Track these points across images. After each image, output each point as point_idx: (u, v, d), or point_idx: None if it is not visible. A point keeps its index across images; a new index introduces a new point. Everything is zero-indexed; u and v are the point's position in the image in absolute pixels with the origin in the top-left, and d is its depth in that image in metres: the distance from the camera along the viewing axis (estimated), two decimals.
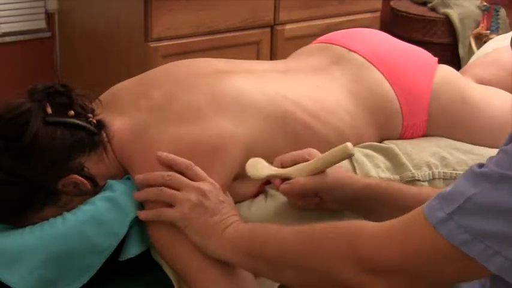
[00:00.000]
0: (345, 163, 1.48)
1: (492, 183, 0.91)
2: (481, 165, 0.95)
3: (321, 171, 1.36)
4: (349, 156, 1.36)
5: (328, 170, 1.36)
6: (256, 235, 1.22)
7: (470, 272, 0.95)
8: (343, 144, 1.33)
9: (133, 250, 1.30)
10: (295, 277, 1.15)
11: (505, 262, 0.91)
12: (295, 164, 1.38)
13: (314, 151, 1.39)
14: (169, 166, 1.31)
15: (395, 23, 3.48)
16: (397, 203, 1.33)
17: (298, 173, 1.37)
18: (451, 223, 0.93)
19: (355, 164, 1.47)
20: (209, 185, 1.29)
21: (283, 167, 1.39)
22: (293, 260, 1.13)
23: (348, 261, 1.04)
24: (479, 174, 0.94)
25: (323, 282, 1.10)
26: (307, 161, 1.37)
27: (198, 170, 1.30)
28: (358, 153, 1.49)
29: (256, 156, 1.38)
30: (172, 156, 1.31)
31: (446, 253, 0.94)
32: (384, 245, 1.01)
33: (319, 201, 1.38)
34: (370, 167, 1.48)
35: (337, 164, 1.38)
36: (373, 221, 1.08)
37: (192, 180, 1.29)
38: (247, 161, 1.37)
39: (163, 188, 1.29)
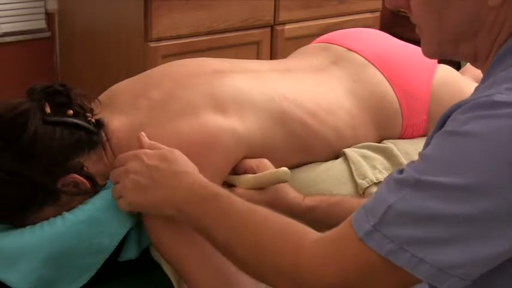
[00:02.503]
0: (342, 165, 1.48)
1: (409, 189, 0.91)
2: (401, 171, 0.95)
3: (259, 188, 1.36)
4: (282, 182, 1.35)
5: (272, 189, 1.36)
6: (209, 207, 1.16)
7: (405, 281, 0.94)
8: (279, 169, 1.34)
9: (132, 252, 1.30)
10: (238, 267, 1.13)
11: (431, 269, 0.90)
12: (245, 173, 1.38)
13: (264, 163, 1.38)
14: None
15: (395, 23, 3.48)
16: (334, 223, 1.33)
17: (239, 184, 1.37)
18: (377, 234, 0.92)
19: (352, 165, 1.47)
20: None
21: (235, 173, 1.39)
22: (236, 255, 1.11)
23: (287, 276, 1.02)
24: (398, 180, 0.93)
25: (265, 283, 1.09)
26: (254, 171, 1.37)
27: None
28: (355, 154, 1.49)
29: (255, 154, 1.38)
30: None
31: (378, 266, 0.93)
32: (323, 266, 0.99)
33: None
34: (367, 168, 1.47)
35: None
36: None
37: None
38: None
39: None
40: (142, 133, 1.29)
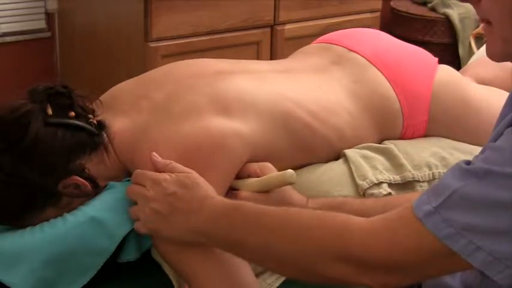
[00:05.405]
0: (342, 166, 1.48)
1: (477, 177, 0.92)
2: (468, 163, 0.95)
3: (265, 191, 1.35)
4: (288, 184, 1.34)
5: (277, 192, 1.35)
6: (236, 218, 1.17)
7: (455, 266, 0.95)
8: (286, 171, 1.33)
9: (132, 253, 1.30)
10: (278, 268, 1.14)
11: (488, 257, 0.90)
12: (249, 177, 1.37)
13: (267, 167, 1.38)
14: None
15: (395, 23, 3.48)
16: None
17: (244, 187, 1.36)
18: (437, 216, 0.93)
19: (352, 166, 1.47)
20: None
21: (237, 177, 1.38)
22: (276, 254, 1.11)
23: (334, 257, 1.03)
24: (465, 170, 0.94)
25: (307, 275, 1.09)
26: (258, 175, 1.36)
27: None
28: (355, 154, 1.49)
29: (258, 155, 1.38)
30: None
31: (432, 248, 0.94)
32: (373, 241, 1.00)
33: None
34: (368, 169, 1.47)
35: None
36: None
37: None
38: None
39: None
40: (155, 153, 1.29)
